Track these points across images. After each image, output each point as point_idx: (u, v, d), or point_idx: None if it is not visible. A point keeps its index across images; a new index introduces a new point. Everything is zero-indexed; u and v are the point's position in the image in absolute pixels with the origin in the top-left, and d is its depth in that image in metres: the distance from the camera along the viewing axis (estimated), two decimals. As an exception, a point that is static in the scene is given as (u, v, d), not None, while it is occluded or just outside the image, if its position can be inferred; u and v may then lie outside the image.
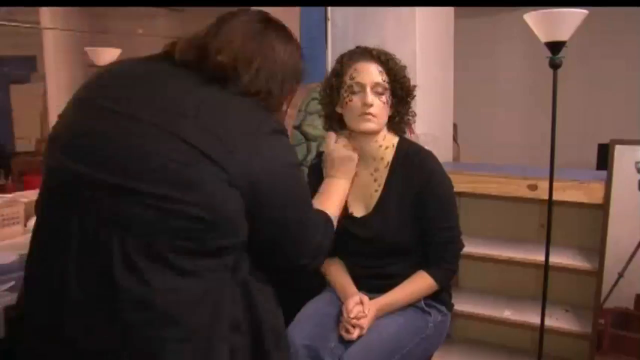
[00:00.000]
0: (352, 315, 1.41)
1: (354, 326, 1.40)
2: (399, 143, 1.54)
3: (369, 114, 1.43)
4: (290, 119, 2.23)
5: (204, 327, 0.86)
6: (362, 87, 1.44)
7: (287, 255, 1.01)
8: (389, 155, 1.52)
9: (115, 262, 0.82)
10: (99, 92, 0.93)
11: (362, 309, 1.43)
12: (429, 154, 1.53)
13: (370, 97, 1.43)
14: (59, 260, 0.86)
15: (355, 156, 1.44)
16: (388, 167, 1.51)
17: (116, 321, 0.82)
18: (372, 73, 1.44)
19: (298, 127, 2.22)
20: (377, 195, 1.52)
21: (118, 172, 0.84)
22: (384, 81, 1.45)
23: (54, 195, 0.91)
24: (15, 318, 1.16)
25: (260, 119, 0.94)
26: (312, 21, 2.55)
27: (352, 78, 1.45)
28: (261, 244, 0.95)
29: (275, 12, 3.07)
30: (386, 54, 1.49)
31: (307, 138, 2.20)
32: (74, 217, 0.85)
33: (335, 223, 1.20)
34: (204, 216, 0.83)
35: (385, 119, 1.48)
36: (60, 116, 0.95)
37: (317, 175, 1.55)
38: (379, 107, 1.44)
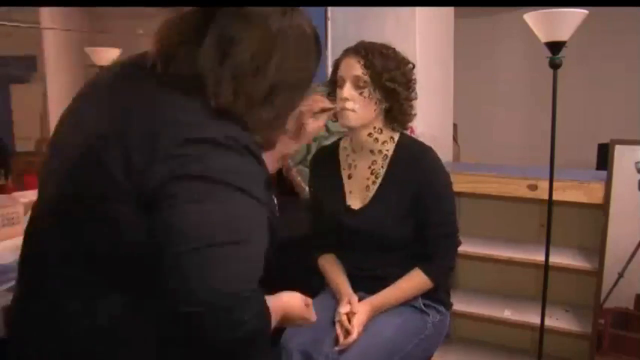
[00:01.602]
0: (337, 319, 1.42)
1: (347, 331, 1.40)
2: (400, 138, 1.54)
3: (345, 108, 1.43)
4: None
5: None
6: (343, 81, 1.45)
7: (172, 290, 0.73)
8: (388, 149, 1.52)
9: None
10: (80, 101, 0.92)
11: (348, 310, 1.43)
12: (428, 149, 1.53)
13: (347, 91, 1.43)
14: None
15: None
16: (387, 161, 1.51)
17: None
18: (352, 67, 1.44)
19: (298, 127, 2.21)
20: (374, 188, 1.52)
21: (64, 181, 0.84)
22: (364, 74, 1.43)
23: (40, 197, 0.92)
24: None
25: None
26: (312, 21, 2.54)
27: (339, 72, 1.47)
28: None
29: (275, 12, 3.05)
30: (369, 47, 1.46)
31: (307, 138, 2.19)
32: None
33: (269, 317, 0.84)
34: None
35: (369, 114, 1.45)
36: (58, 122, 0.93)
37: (320, 165, 1.60)
38: (359, 101, 1.43)
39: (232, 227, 0.75)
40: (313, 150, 2.22)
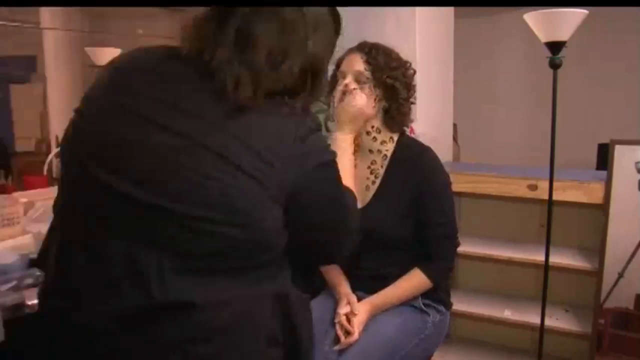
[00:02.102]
0: (336, 320, 1.43)
1: (347, 331, 1.41)
2: (400, 138, 1.54)
3: (348, 90, 1.42)
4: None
5: (242, 342, 0.83)
6: (344, 75, 1.46)
7: (331, 253, 1.03)
8: (387, 149, 1.52)
9: (152, 280, 0.78)
10: (124, 92, 0.84)
11: (348, 310, 1.43)
12: (427, 149, 1.53)
13: (349, 84, 1.43)
14: (85, 277, 0.81)
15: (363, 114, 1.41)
16: (387, 161, 1.52)
17: (153, 342, 0.79)
18: (355, 62, 1.46)
19: (298, 127, 2.21)
20: (374, 187, 1.52)
21: (152, 190, 0.78)
22: (366, 70, 1.44)
23: (78, 203, 0.84)
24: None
25: (293, 122, 0.84)
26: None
27: (339, 68, 1.48)
28: (303, 249, 0.92)
29: (275, 12, 3.05)
30: (372, 45, 1.48)
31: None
32: (103, 233, 0.81)
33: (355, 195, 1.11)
34: (244, 237, 0.79)
35: (368, 109, 1.45)
36: (78, 113, 0.87)
37: None
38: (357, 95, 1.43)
39: (342, 189, 0.95)
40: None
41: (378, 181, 1.52)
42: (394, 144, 1.53)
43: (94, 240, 0.81)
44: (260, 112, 0.82)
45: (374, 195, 1.51)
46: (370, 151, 1.52)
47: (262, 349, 0.85)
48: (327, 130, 2.12)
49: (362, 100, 1.41)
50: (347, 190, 1.00)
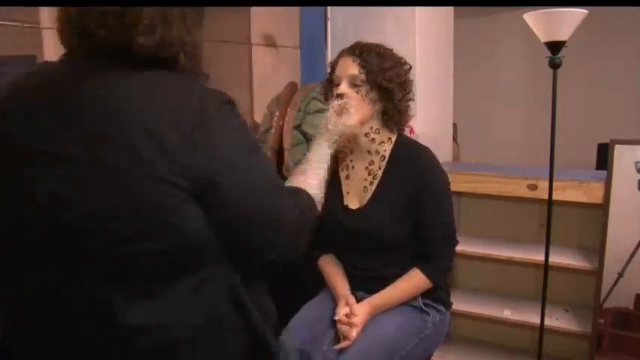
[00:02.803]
0: (336, 318, 1.43)
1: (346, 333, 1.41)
2: (398, 138, 1.54)
3: (340, 105, 1.42)
4: (290, 119, 2.22)
5: (209, 344, 0.83)
6: (339, 80, 1.46)
7: (254, 252, 0.87)
8: (385, 150, 1.52)
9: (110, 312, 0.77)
10: (10, 124, 0.78)
11: (347, 312, 1.43)
12: (425, 150, 1.53)
13: (343, 88, 1.43)
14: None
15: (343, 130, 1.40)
16: (385, 162, 1.52)
17: None
18: (348, 66, 1.45)
19: (298, 127, 2.22)
20: (372, 188, 1.52)
21: (68, 228, 0.75)
22: (361, 73, 1.44)
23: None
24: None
25: (201, 96, 0.79)
26: (312, 21, 2.55)
27: (334, 72, 1.48)
28: (227, 244, 0.84)
29: (275, 12, 3.10)
30: (365, 47, 1.47)
31: (307, 138, 2.19)
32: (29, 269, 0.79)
33: (319, 199, 1.07)
34: (172, 248, 0.77)
35: (364, 113, 1.45)
36: None
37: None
38: (355, 99, 1.43)
39: (273, 182, 0.89)
40: (313, 150, 2.22)
41: (376, 182, 1.52)
42: (392, 145, 1.53)
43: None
44: (152, 91, 0.78)
45: (372, 196, 1.51)
46: (369, 152, 1.52)
47: (228, 342, 0.87)
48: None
49: (351, 121, 1.42)
50: (295, 192, 0.99)
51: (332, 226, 1.55)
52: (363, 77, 1.44)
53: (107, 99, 0.76)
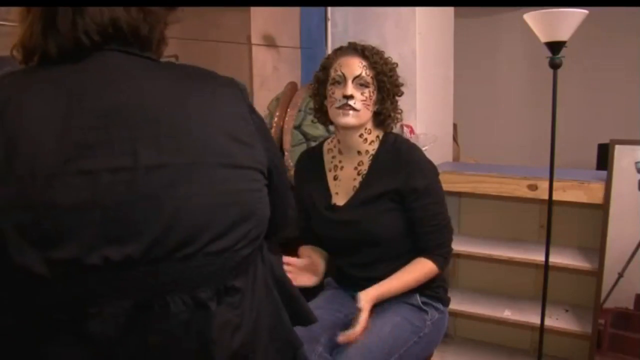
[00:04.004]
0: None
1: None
2: (385, 135, 1.55)
3: (349, 106, 1.43)
4: (290, 119, 2.23)
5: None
6: (344, 78, 1.45)
7: (280, 227, 0.94)
8: (374, 148, 1.52)
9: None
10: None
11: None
12: (414, 147, 1.53)
13: (351, 89, 1.43)
14: None
15: None
16: (371, 158, 1.52)
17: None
18: (354, 66, 1.45)
19: (298, 127, 2.22)
20: (359, 186, 1.52)
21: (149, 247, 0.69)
22: (367, 75, 1.45)
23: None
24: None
25: (231, 88, 0.81)
26: (312, 21, 2.55)
27: (335, 70, 1.47)
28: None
29: (275, 12, 3.09)
30: (372, 49, 1.49)
31: (307, 138, 2.20)
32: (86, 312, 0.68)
33: None
34: (259, 235, 0.80)
35: (367, 114, 1.47)
36: None
37: (304, 168, 1.62)
38: (360, 100, 1.44)
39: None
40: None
41: (363, 180, 1.52)
42: (378, 141, 1.53)
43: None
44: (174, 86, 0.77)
45: (358, 190, 1.51)
46: (359, 152, 1.52)
47: (283, 318, 0.89)
48: (328, 131, 2.13)
49: (356, 121, 1.45)
50: None
51: (321, 225, 1.54)
52: (369, 78, 1.45)
53: (160, 98, 0.73)
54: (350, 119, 1.44)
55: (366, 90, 1.45)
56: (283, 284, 0.90)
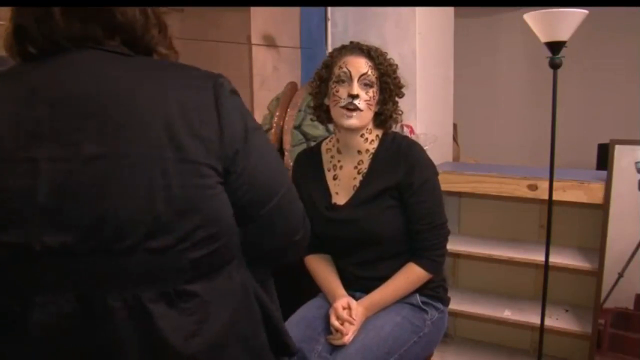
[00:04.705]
0: (336, 322, 1.42)
1: (338, 330, 1.41)
2: (384, 134, 1.55)
3: (353, 105, 1.43)
4: (290, 119, 2.22)
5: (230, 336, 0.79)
6: (350, 77, 1.44)
7: (283, 233, 0.86)
8: (374, 147, 1.53)
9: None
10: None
11: (349, 314, 1.42)
12: (414, 143, 1.53)
13: (357, 88, 1.43)
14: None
15: None
16: (371, 157, 1.52)
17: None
18: (360, 65, 1.45)
19: (298, 127, 2.22)
20: (359, 185, 1.52)
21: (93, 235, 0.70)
22: (372, 75, 1.45)
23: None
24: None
25: (204, 80, 0.78)
26: (312, 21, 2.55)
27: (340, 68, 1.46)
28: (253, 228, 0.82)
29: (275, 12, 3.09)
30: (376, 49, 1.49)
31: (307, 138, 2.20)
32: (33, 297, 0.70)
33: None
34: (212, 237, 0.75)
35: (370, 115, 1.47)
36: None
37: (303, 168, 1.60)
38: (365, 100, 1.44)
39: (280, 160, 0.89)
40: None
41: (363, 178, 1.52)
42: (378, 140, 1.53)
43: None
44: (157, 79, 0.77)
45: (358, 189, 1.51)
46: (359, 152, 1.52)
47: (259, 336, 0.86)
48: (327, 131, 2.13)
49: (360, 121, 1.45)
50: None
51: (321, 225, 1.54)
52: (374, 78, 1.45)
53: (116, 89, 0.73)
54: (354, 121, 1.44)
55: (370, 90, 1.45)
56: (262, 302, 0.85)
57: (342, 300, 1.47)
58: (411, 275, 1.48)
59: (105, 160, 0.70)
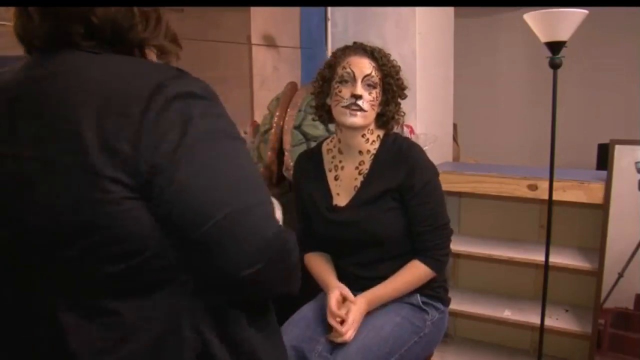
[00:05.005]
0: (333, 320, 1.41)
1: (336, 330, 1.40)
2: (385, 135, 1.55)
3: (357, 106, 1.43)
4: (290, 119, 2.22)
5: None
6: (353, 77, 1.44)
7: (224, 264, 0.71)
8: (375, 147, 1.53)
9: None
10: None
11: (342, 312, 1.42)
12: (414, 145, 1.53)
13: (360, 89, 1.43)
14: None
15: None
16: (372, 158, 1.52)
17: None
18: (364, 66, 1.45)
19: (298, 127, 2.22)
20: (360, 186, 1.52)
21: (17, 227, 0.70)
22: (376, 76, 1.46)
23: None
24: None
25: (142, 85, 0.69)
26: (312, 21, 2.55)
27: (344, 68, 1.46)
28: (190, 253, 0.72)
29: (275, 12, 3.09)
30: (380, 50, 1.50)
31: (307, 138, 2.20)
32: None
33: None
34: (119, 255, 0.69)
35: (372, 115, 1.48)
36: None
37: (304, 169, 1.60)
38: (368, 101, 1.44)
39: (242, 176, 0.74)
40: (313, 150, 2.22)
41: (364, 179, 1.52)
42: (379, 141, 1.53)
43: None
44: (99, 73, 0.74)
45: (360, 190, 1.51)
46: (360, 152, 1.52)
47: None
48: (327, 130, 2.13)
49: (363, 122, 1.45)
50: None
51: (323, 226, 1.54)
52: (377, 79, 1.46)
53: (51, 90, 0.71)
54: (357, 119, 1.44)
55: (373, 91, 1.45)
56: (204, 341, 0.75)
57: (335, 292, 1.46)
58: (416, 272, 1.48)
59: (27, 163, 0.69)
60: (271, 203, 0.77)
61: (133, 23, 0.76)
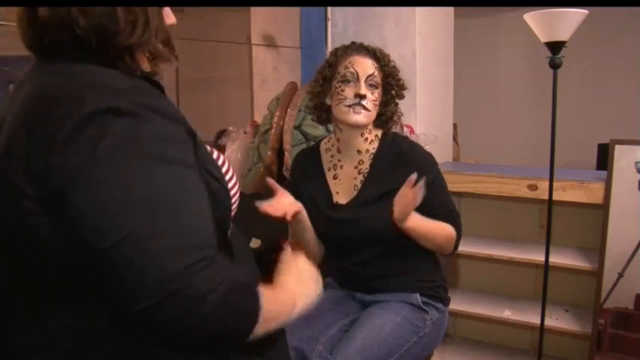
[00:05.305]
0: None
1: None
2: (384, 134, 1.55)
3: (361, 105, 1.43)
4: (290, 119, 2.23)
5: None
6: (356, 77, 1.44)
7: (120, 293, 0.66)
8: (374, 147, 1.53)
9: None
10: None
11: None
12: (415, 145, 1.54)
13: (364, 88, 1.43)
14: None
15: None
16: (372, 157, 1.52)
17: None
18: (367, 66, 1.45)
19: (298, 127, 2.22)
20: (361, 186, 1.52)
21: None
22: (378, 76, 1.46)
23: None
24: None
25: (72, 105, 0.68)
26: (312, 21, 2.55)
27: (346, 68, 1.46)
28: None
29: (275, 12, 3.09)
30: (381, 51, 1.50)
31: (307, 138, 2.20)
32: None
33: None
34: (38, 265, 0.72)
35: (374, 115, 1.48)
36: None
37: (302, 169, 1.59)
38: (371, 100, 1.45)
39: (153, 201, 0.67)
40: (313, 150, 2.22)
41: (365, 179, 1.52)
42: (378, 140, 1.53)
43: None
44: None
45: (361, 189, 1.51)
46: (359, 152, 1.52)
47: None
48: (327, 130, 2.13)
49: (365, 121, 1.45)
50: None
51: (323, 225, 1.54)
52: (379, 79, 1.46)
53: (16, 98, 0.76)
54: (361, 117, 1.44)
55: (376, 91, 1.46)
56: None
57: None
58: (447, 229, 1.48)
59: None
60: (200, 237, 0.69)
61: (118, 30, 0.74)
